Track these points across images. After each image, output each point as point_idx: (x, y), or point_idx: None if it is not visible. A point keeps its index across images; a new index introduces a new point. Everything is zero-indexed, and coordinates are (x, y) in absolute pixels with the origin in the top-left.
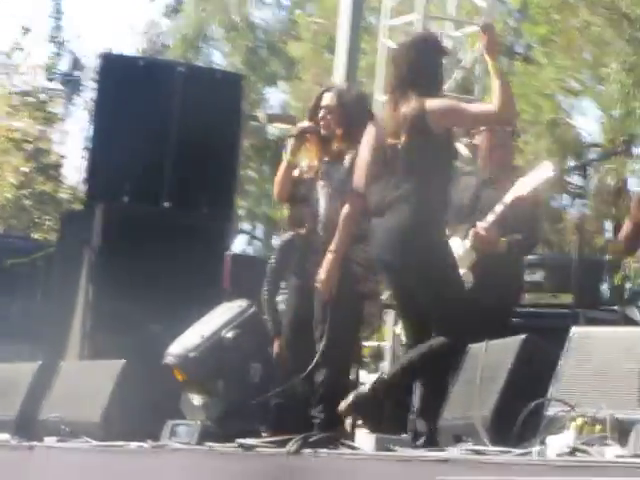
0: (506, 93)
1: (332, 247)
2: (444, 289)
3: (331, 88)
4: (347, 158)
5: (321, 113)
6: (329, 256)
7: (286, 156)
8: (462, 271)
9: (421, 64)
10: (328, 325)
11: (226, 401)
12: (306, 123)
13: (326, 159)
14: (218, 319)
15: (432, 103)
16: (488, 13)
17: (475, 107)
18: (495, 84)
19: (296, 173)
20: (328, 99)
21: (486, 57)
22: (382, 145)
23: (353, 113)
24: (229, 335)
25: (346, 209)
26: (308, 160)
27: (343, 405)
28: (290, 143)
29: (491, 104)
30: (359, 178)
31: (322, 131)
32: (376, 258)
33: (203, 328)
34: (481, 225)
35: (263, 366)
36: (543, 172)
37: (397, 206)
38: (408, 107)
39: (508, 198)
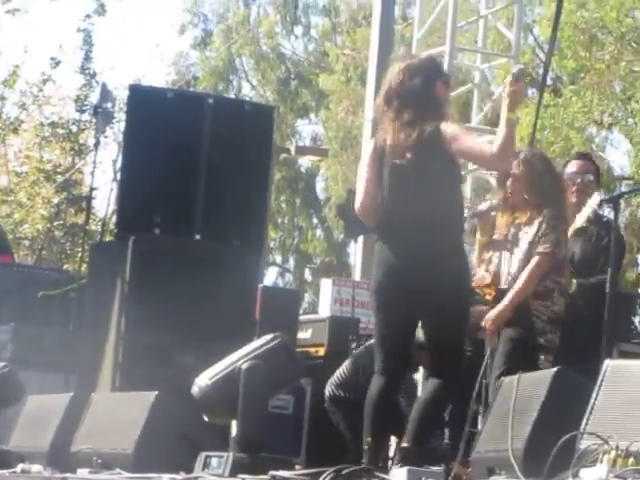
0: (508, 143)
1: (508, 297)
2: (462, 320)
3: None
4: (536, 222)
5: (509, 182)
6: (502, 303)
7: (478, 236)
8: None
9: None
10: (504, 370)
11: (252, 432)
12: (489, 203)
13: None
14: (241, 351)
15: (447, 126)
16: (516, 49)
17: (475, 143)
18: (501, 131)
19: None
20: (515, 167)
21: (504, 103)
22: (381, 161)
23: (541, 180)
24: (244, 366)
25: (534, 263)
26: (499, 229)
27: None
28: (479, 223)
29: (490, 147)
30: (359, 196)
31: (511, 199)
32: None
33: (227, 359)
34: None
35: (295, 398)
36: (593, 202)
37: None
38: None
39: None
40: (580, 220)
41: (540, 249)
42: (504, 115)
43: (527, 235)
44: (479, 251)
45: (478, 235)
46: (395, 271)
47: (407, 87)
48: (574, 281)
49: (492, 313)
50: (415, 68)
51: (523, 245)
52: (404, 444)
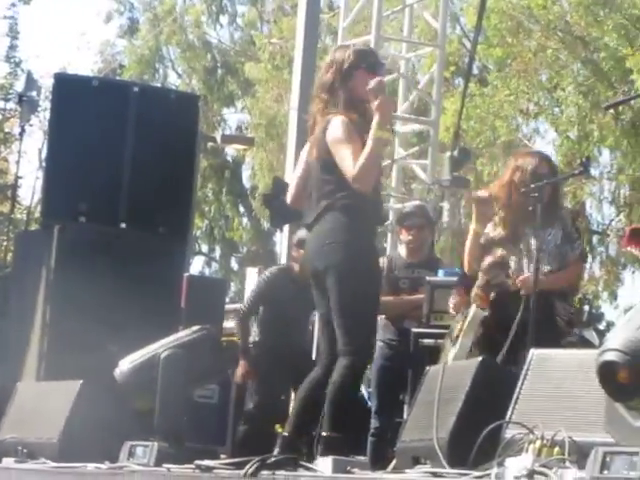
0: (368, 165)
1: (549, 276)
2: (354, 298)
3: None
4: (557, 225)
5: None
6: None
7: (472, 225)
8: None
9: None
10: None
11: (172, 421)
12: (486, 192)
13: None
14: (166, 339)
15: (334, 124)
16: (442, 38)
17: (341, 159)
18: (365, 150)
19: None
20: (541, 167)
21: (375, 118)
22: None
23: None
24: (164, 354)
25: (575, 265)
26: (502, 226)
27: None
28: (476, 209)
29: (352, 165)
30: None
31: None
32: (309, 268)
33: (151, 346)
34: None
35: (221, 387)
36: None
37: (324, 215)
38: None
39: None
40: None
41: (577, 253)
42: (372, 132)
43: (551, 237)
44: (474, 240)
45: (473, 222)
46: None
47: (322, 80)
48: None
49: (529, 276)
50: (333, 60)
51: (549, 247)
52: (324, 432)
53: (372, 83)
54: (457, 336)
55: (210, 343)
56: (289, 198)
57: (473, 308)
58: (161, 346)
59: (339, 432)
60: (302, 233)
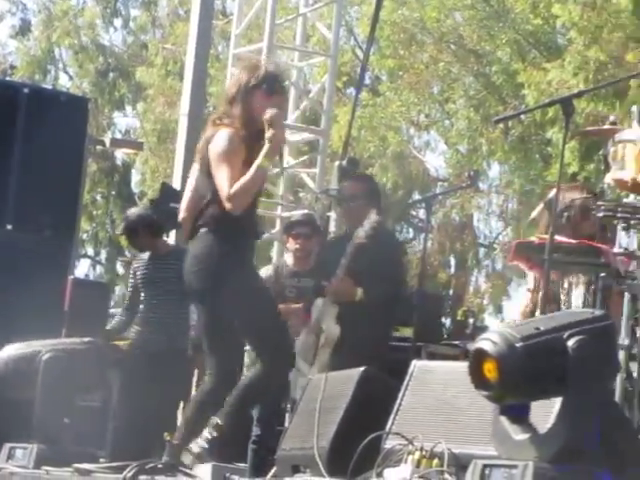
0: (245, 190)
1: None
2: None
3: None
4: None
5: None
6: None
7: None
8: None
9: (253, 97)
10: None
11: (51, 422)
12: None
13: None
14: (48, 341)
15: (220, 136)
16: (335, 48)
17: (223, 175)
18: (247, 174)
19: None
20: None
21: (265, 147)
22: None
23: None
24: (46, 356)
25: None
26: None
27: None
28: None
29: (229, 188)
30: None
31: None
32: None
33: (34, 342)
34: (334, 278)
35: (103, 390)
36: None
37: (198, 232)
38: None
39: (349, 248)
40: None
41: None
42: (258, 160)
43: None
44: None
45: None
46: None
47: (226, 91)
48: (359, 291)
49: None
50: (241, 74)
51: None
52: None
53: (268, 113)
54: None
55: (96, 356)
56: (182, 211)
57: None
58: (44, 346)
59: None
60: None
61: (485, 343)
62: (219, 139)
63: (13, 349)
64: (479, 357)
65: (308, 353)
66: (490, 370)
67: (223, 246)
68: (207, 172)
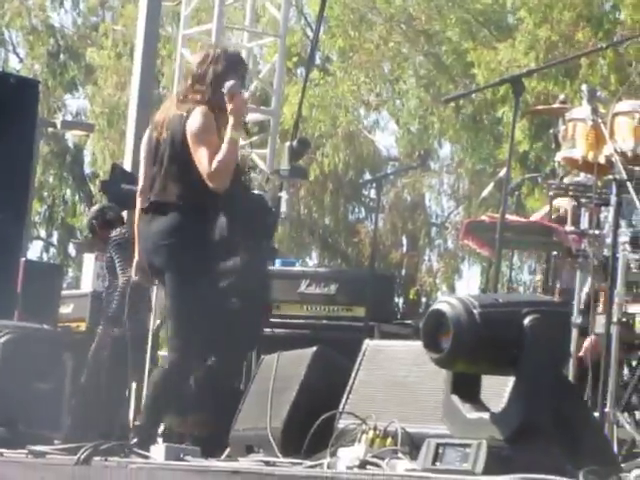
0: (224, 163)
1: None
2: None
3: None
4: None
5: None
6: None
7: None
8: None
9: (215, 75)
10: None
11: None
12: None
13: None
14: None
15: (195, 114)
16: (284, 28)
17: (203, 152)
18: (222, 150)
19: None
20: None
21: (230, 120)
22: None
23: None
24: (4, 339)
25: None
26: None
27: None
28: None
29: (209, 165)
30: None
31: None
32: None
33: None
34: None
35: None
36: None
37: (164, 210)
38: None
39: None
40: None
41: None
42: (228, 132)
43: None
44: None
45: None
46: None
47: (195, 70)
48: None
49: None
50: (208, 56)
51: None
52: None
53: (227, 86)
54: None
55: (51, 339)
56: (141, 189)
57: None
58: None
59: (152, 423)
60: None
61: (443, 305)
62: (195, 117)
63: None
64: (435, 319)
65: None
66: (443, 333)
67: (187, 223)
68: (176, 149)
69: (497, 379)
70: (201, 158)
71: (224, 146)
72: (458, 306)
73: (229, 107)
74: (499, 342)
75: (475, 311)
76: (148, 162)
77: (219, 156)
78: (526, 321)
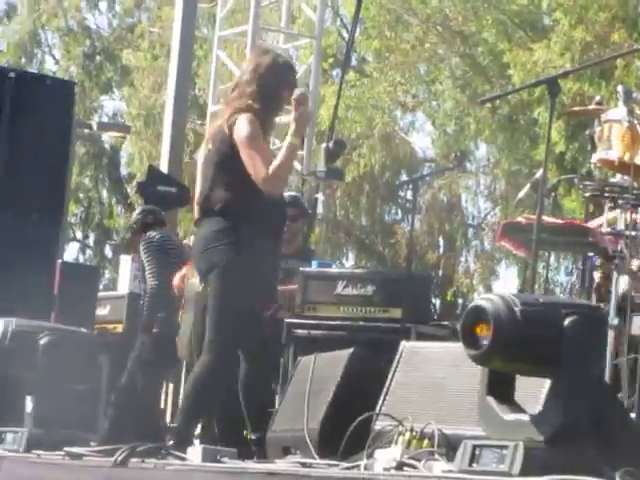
0: (282, 169)
1: None
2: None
3: None
4: None
5: None
6: None
7: None
8: None
9: (262, 82)
10: None
11: (47, 407)
12: None
13: None
14: (40, 323)
15: (242, 121)
16: (319, 29)
17: (256, 157)
18: (280, 155)
19: None
20: None
21: (290, 126)
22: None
23: None
24: (44, 340)
25: None
26: None
27: None
28: None
29: (266, 169)
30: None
31: None
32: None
33: (33, 321)
34: None
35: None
36: None
37: (211, 216)
38: (224, 118)
39: None
40: None
41: None
42: (288, 138)
43: None
44: None
45: None
46: None
47: (243, 78)
48: None
49: None
50: (259, 64)
51: None
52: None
53: (296, 93)
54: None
55: (88, 341)
56: (195, 200)
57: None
58: (41, 329)
59: (189, 425)
60: None
61: (483, 301)
62: (243, 124)
63: (13, 324)
64: (475, 315)
65: None
66: (483, 329)
67: (237, 227)
68: (223, 157)
69: (532, 381)
70: (255, 163)
71: (283, 151)
72: (499, 303)
73: (293, 114)
74: (539, 341)
75: (516, 308)
76: (202, 174)
77: (277, 161)
78: (566, 322)
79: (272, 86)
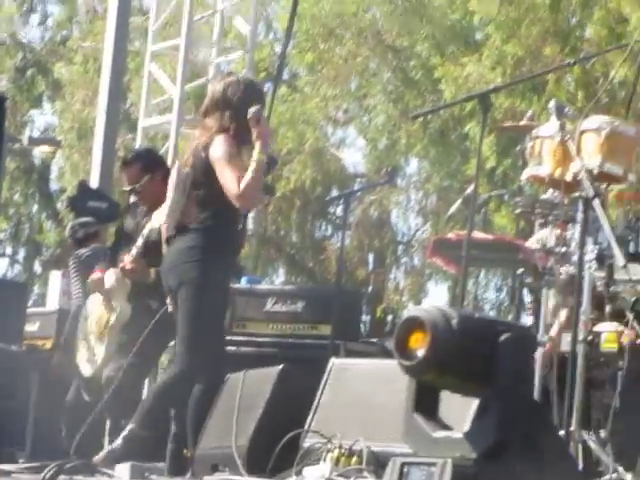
0: (253, 184)
1: None
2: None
3: None
4: None
5: None
6: None
7: None
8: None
9: (233, 103)
10: None
11: None
12: None
13: None
14: None
15: (217, 142)
16: (252, 43)
17: (225, 177)
18: (249, 172)
19: None
20: None
21: (256, 144)
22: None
23: None
24: None
25: None
26: None
27: (98, 459)
28: None
29: (238, 186)
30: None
31: None
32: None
33: None
34: (127, 258)
35: (21, 390)
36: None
37: (184, 232)
38: (202, 137)
39: (145, 230)
40: None
41: None
42: (254, 156)
43: None
44: None
45: None
46: None
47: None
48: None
49: None
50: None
51: None
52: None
53: (250, 112)
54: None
55: (18, 358)
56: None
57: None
58: None
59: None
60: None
61: (420, 312)
62: (218, 145)
63: None
64: (410, 325)
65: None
66: (418, 340)
67: (210, 244)
68: (198, 177)
69: (457, 399)
70: (228, 181)
71: (251, 168)
72: (436, 313)
73: (254, 131)
74: (473, 355)
75: (453, 321)
76: (175, 190)
77: (247, 178)
78: (501, 339)
79: (244, 105)
